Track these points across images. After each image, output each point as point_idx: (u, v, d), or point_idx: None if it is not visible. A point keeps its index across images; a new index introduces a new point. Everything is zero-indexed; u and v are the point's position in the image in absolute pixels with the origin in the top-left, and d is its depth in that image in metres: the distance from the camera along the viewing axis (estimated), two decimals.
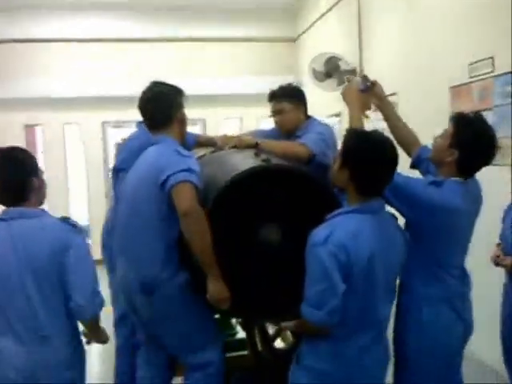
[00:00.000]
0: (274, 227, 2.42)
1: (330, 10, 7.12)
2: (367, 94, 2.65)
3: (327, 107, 7.27)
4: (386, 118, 2.69)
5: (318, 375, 2.03)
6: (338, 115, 7.16)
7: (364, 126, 2.44)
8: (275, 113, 3.09)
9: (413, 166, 2.59)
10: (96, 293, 2.22)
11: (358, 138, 2.06)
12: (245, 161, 2.48)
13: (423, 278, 2.25)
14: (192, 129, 8.79)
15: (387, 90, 5.28)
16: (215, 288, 2.34)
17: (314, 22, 7.76)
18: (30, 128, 8.26)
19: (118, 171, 3.05)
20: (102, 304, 2.25)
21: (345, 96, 2.58)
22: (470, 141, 2.20)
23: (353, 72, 6.33)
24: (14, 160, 2.20)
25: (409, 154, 2.60)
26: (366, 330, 2.04)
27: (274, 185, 2.43)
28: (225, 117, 8.37)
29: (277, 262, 2.41)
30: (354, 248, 1.93)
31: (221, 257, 2.34)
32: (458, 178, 2.23)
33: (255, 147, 2.72)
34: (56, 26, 7.99)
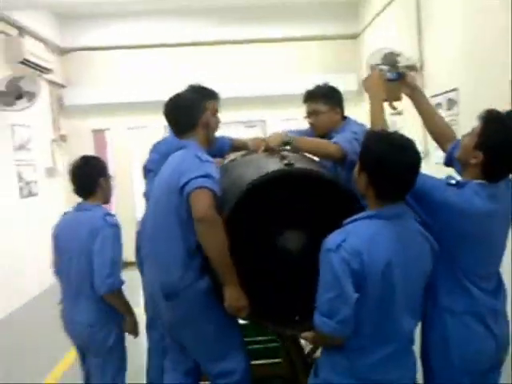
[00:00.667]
0: (295, 234, 2.36)
1: (389, 4, 6.88)
2: (397, 83, 2.51)
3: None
4: (419, 110, 2.53)
5: None
6: (400, 113, 6.91)
7: (385, 117, 2.31)
8: (310, 114, 3.00)
9: (447, 163, 2.42)
10: (109, 275, 2.74)
11: (377, 140, 1.95)
12: (267, 165, 2.44)
13: (448, 288, 2.10)
14: (251, 131, 8.84)
15: (447, 86, 5.16)
16: (232, 296, 2.32)
17: (375, 17, 7.56)
18: (99, 132, 8.59)
19: (148, 171, 3.12)
20: (113, 286, 2.75)
21: (365, 84, 2.45)
22: (497, 143, 2.01)
23: (412, 68, 6.17)
24: (87, 163, 2.93)
25: (444, 149, 2.44)
26: (383, 344, 1.92)
27: (296, 189, 2.37)
28: (284, 118, 8.33)
29: (298, 270, 2.35)
30: (368, 255, 1.83)
31: (240, 263, 2.31)
32: (482, 181, 2.06)
33: (288, 144, 2.67)
34: (123, 33, 8.31)
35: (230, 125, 7.10)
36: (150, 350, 3.13)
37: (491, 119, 2.07)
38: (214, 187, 2.33)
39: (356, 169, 2.00)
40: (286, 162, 2.41)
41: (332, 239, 1.88)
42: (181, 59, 8.40)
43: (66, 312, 2.94)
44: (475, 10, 4.71)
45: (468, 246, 2.06)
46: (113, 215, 2.96)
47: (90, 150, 8.48)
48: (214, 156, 3.07)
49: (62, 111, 8.24)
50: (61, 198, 7.82)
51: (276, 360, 3.13)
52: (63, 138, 8.11)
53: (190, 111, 2.59)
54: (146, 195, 3.02)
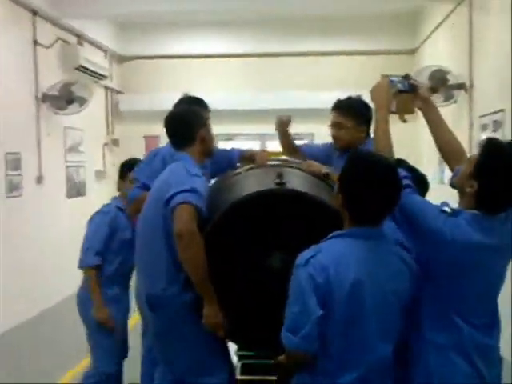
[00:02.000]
0: (277, 254, 2.31)
1: (444, 21, 6.65)
2: (409, 96, 2.38)
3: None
4: (430, 125, 2.38)
5: None
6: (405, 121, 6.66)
7: (389, 129, 2.19)
8: (334, 125, 2.92)
9: (452, 185, 2.24)
10: (85, 252, 3.31)
11: (356, 164, 1.89)
12: (257, 184, 2.42)
13: (433, 320, 1.96)
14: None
15: (494, 107, 4.89)
16: (209, 313, 2.30)
17: (431, 33, 7.33)
18: (151, 138, 8.82)
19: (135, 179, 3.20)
20: (84, 263, 3.30)
21: (372, 94, 2.32)
22: (492, 174, 1.88)
23: (462, 86, 5.91)
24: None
25: (451, 168, 2.28)
26: (353, 368, 1.83)
27: (290, 209, 2.33)
28: None
29: (279, 291, 2.29)
30: (335, 271, 1.78)
31: (219, 281, 2.29)
32: (477, 212, 1.93)
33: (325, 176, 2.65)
34: (179, 42, 8.55)
35: (275, 137, 7.07)
36: (142, 357, 3.15)
37: (489, 148, 1.95)
38: (198, 202, 2.33)
39: (336, 188, 1.95)
40: (278, 181, 2.37)
41: (303, 255, 1.86)
42: (235, 69, 8.51)
43: None
44: None
45: (456, 277, 1.93)
46: None
47: (140, 155, 8.71)
48: (223, 168, 3.08)
49: (116, 116, 8.54)
50: (108, 199, 8.07)
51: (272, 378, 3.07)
52: (115, 143, 8.40)
53: (189, 127, 2.60)
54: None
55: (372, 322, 1.82)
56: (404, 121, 2.43)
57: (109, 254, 3.32)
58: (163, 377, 2.67)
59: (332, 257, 1.81)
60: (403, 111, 2.42)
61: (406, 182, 2.03)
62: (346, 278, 1.78)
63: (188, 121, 2.61)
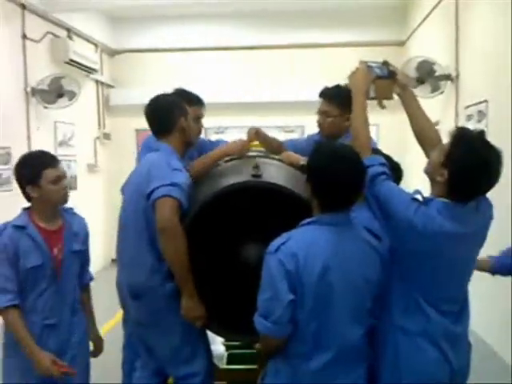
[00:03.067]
0: (253, 246, 2.36)
1: (431, 12, 6.69)
2: (389, 82, 2.42)
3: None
4: (407, 111, 2.43)
5: None
6: (435, 124, 6.70)
7: (366, 115, 2.23)
8: (320, 112, 2.97)
9: (426, 172, 2.26)
10: None
11: (321, 152, 1.97)
12: (234, 176, 2.46)
13: (402, 306, 2.02)
14: (290, 136, 8.84)
15: (479, 98, 4.93)
16: (188, 305, 2.36)
17: (418, 25, 7.37)
18: (142, 132, 8.83)
19: None
20: None
21: (350, 79, 2.36)
22: (460, 163, 1.92)
23: (448, 77, 5.96)
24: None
25: (426, 154, 2.32)
26: (324, 351, 1.90)
27: (267, 200, 2.37)
28: None
29: (255, 281, 2.35)
30: (304, 258, 1.84)
31: (199, 273, 2.33)
32: (447, 201, 1.97)
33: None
34: (171, 36, 8.53)
35: (268, 129, 7.10)
36: (123, 344, 3.19)
37: (460, 138, 1.98)
38: (180, 196, 2.35)
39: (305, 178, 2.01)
40: (254, 172, 2.41)
41: (273, 243, 1.93)
42: (227, 62, 8.52)
43: None
44: (509, 23, 4.51)
45: (425, 265, 1.99)
46: None
47: (132, 149, 8.76)
48: None
49: (107, 110, 8.55)
50: (99, 192, 8.15)
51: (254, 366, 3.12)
52: (106, 136, 8.42)
53: (167, 114, 2.62)
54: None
55: (342, 307, 1.88)
56: (382, 107, 2.48)
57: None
58: (144, 366, 2.73)
59: (302, 244, 1.88)
60: (381, 97, 2.45)
61: (382, 169, 2.08)
62: (315, 264, 1.84)
63: (167, 108, 2.63)
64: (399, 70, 2.46)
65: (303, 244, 1.88)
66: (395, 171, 2.51)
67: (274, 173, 2.55)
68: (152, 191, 2.36)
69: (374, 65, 2.42)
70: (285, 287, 1.84)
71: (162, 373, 2.70)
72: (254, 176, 2.38)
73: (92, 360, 2.77)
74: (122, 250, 2.63)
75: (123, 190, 2.78)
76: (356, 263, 1.91)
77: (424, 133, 2.37)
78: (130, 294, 2.50)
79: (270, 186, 2.37)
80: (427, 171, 2.10)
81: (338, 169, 1.87)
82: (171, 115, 2.62)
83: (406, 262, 2.01)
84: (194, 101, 2.98)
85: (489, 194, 2.05)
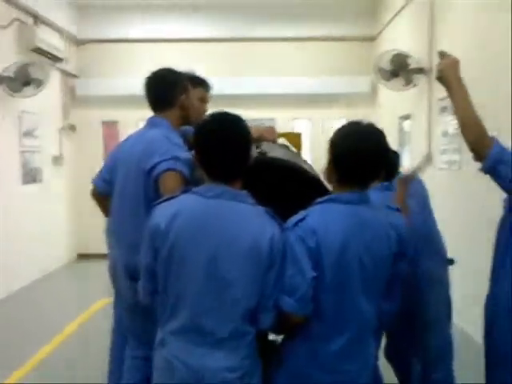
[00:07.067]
0: None
1: (404, 7, 6.77)
2: None
3: (400, 109, 6.97)
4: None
5: (298, 377, 1.90)
6: (407, 117, 6.81)
7: (473, 108, 2.11)
8: None
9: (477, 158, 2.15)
10: None
11: (341, 128, 1.95)
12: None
13: None
14: None
15: None
16: None
17: (390, 20, 7.44)
18: (109, 124, 8.64)
19: None
20: None
21: (443, 72, 2.21)
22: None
23: (421, 70, 6.05)
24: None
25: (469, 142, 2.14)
26: (344, 329, 1.87)
27: (268, 178, 2.32)
28: (294, 117, 8.29)
29: None
30: (324, 235, 1.81)
31: None
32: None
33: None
34: (139, 26, 8.36)
35: None
36: (112, 329, 3.08)
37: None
38: (184, 170, 2.30)
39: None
40: (260, 151, 2.37)
41: (291, 219, 1.89)
42: (194, 55, 8.39)
43: None
44: (484, 16, 4.60)
45: None
46: None
47: (98, 141, 8.57)
48: None
49: (73, 101, 8.31)
50: (64, 185, 7.92)
51: None
52: (72, 128, 8.17)
53: (168, 89, 2.56)
54: None
55: (359, 284, 1.85)
56: None
57: None
58: (134, 355, 2.63)
59: (320, 221, 1.84)
60: None
61: None
62: (334, 241, 1.81)
63: (168, 83, 2.57)
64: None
65: (322, 221, 1.84)
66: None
67: (277, 152, 2.50)
68: (153, 166, 2.29)
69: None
70: (307, 263, 1.80)
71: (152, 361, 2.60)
72: (259, 154, 2.33)
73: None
74: (117, 230, 2.54)
75: (110, 169, 2.64)
76: (377, 243, 1.88)
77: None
78: (127, 275, 2.41)
79: (280, 162, 2.33)
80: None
81: (360, 145, 1.85)
82: (172, 90, 2.56)
83: None
84: (199, 82, 2.91)
85: None
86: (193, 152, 2.29)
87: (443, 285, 2.87)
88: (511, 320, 2.14)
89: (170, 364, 1.80)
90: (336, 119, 8.59)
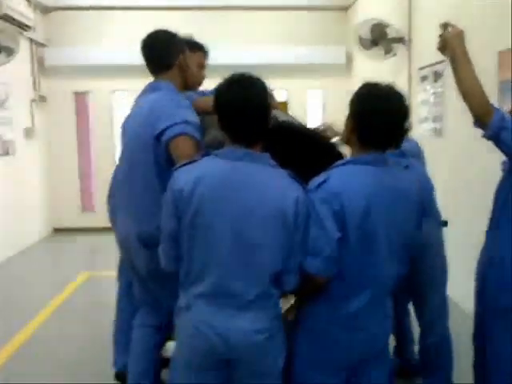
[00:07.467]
0: None
1: None
2: None
3: (377, 79, 6.98)
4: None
5: (319, 337, 1.93)
6: None
7: (477, 78, 2.14)
8: None
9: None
10: None
11: (362, 88, 1.94)
12: None
13: None
14: None
15: (434, 59, 5.06)
16: None
17: None
18: (81, 94, 8.41)
19: None
20: None
21: (449, 42, 2.21)
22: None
23: (401, 40, 6.06)
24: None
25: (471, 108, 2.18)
26: (365, 289, 1.90)
27: (280, 142, 2.32)
28: (272, 87, 8.22)
29: None
30: (348, 197, 1.82)
31: None
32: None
33: None
34: None
35: None
36: (118, 296, 3.05)
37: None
38: (195, 134, 2.25)
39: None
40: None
41: (313, 181, 1.89)
42: (168, 23, 8.11)
43: None
44: None
45: None
46: None
47: (71, 112, 8.34)
48: None
49: (42, 71, 8.03)
50: (37, 158, 7.71)
51: None
52: (42, 99, 7.92)
53: (166, 48, 2.50)
54: None
55: (383, 245, 1.88)
56: None
57: None
58: (144, 323, 2.62)
59: (342, 183, 1.84)
60: None
61: None
62: (358, 203, 1.82)
63: (166, 42, 2.51)
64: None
65: (345, 183, 1.84)
66: None
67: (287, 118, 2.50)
68: (164, 130, 2.24)
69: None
70: (332, 224, 1.80)
71: (163, 330, 2.61)
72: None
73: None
74: (126, 200, 2.48)
75: (123, 134, 2.58)
76: (401, 204, 1.90)
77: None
78: (141, 243, 2.38)
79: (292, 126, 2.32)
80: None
81: (378, 103, 1.85)
82: (170, 49, 2.50)
83: None
84: (197, 47, 2.84)
85: None
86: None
87: (439, 247, 2.93)
88: (503, 280, 2.23)
89: (196, 330, 1.80)
90: (311, 89, 8.62)
